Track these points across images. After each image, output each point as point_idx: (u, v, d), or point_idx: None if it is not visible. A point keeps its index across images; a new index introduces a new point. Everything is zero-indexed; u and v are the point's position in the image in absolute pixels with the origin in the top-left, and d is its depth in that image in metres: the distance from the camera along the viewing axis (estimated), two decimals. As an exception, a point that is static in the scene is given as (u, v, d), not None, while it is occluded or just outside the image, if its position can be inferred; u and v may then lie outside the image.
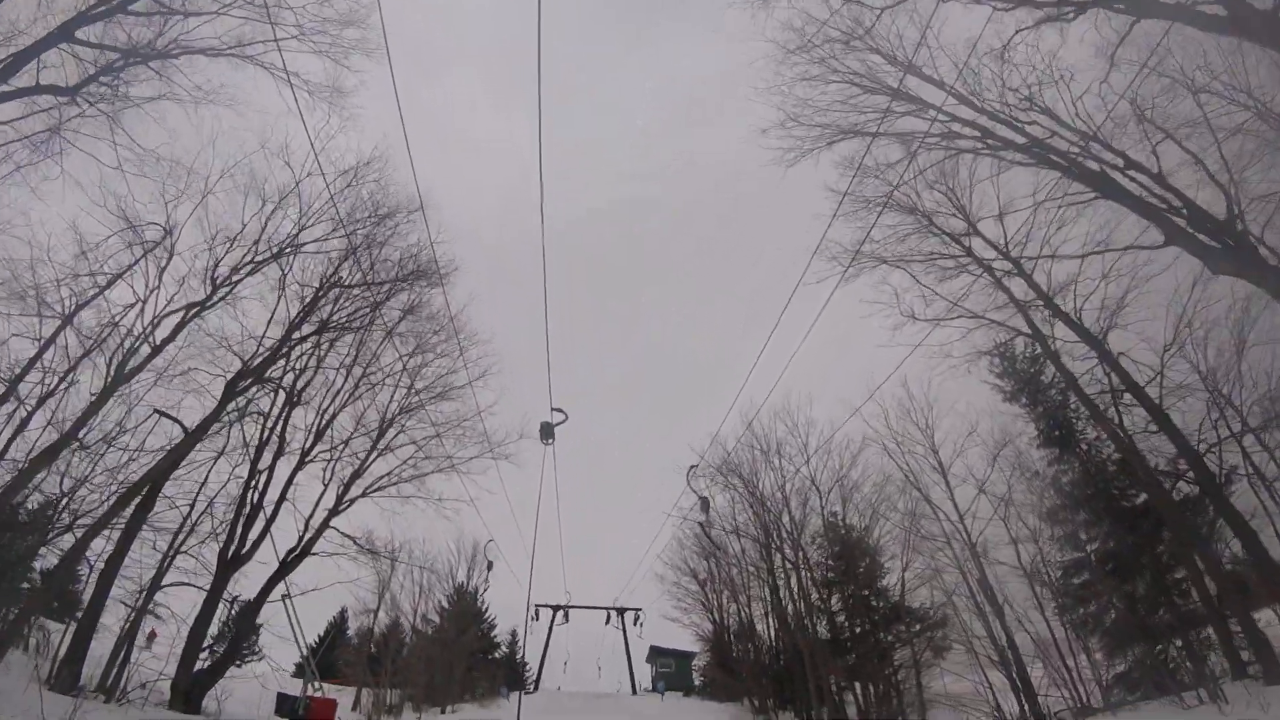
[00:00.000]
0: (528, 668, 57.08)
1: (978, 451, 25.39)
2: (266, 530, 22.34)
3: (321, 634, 47.20)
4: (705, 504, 16.95)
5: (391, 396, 27.72)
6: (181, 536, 20.54)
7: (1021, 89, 19.70)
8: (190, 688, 19.98)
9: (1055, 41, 18.81)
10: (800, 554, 34.46)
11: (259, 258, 21.66)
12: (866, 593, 33.25)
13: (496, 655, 54.85)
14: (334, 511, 25.09)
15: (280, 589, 24.47)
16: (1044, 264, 23.09)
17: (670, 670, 58.24)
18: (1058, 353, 21.43)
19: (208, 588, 20.92)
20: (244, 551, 21.90)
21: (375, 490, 26.65)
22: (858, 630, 33.89)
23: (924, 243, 25.54)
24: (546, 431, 17.12)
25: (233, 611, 21.73)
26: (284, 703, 27.16)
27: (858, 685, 32.26)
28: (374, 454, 26.72)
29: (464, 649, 40.87)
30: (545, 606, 49.57)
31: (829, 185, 23.61)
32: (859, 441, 34.42)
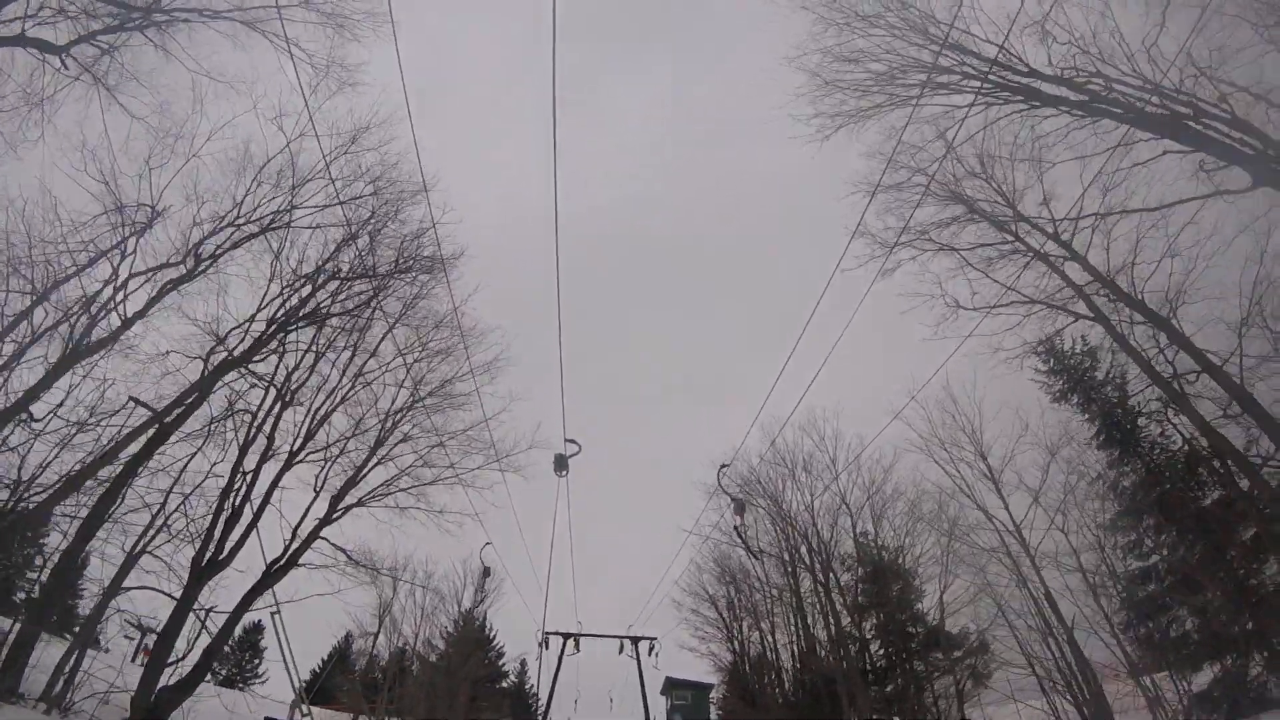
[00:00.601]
0: (536, 698, 53.97)
1: (1030, 455, 22.93)
2: (246, 536, 20.28)
3: (325, 658, 44.72)
4: (740, 506, 14.80)
5: (393, 401, 25.82)
6: (150, 534, 18.55)
7: (1071, 46, 17.93)
8: (153, 704, 17.77)
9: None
10: (831, 576, 31.79)
11: (246, 231, 20.04)
12: (903, 618, 30.48)
13: (504, 685, 51.90)
14: (325, 521, 23.01)
15: (267, 601, 22.28)
16: (1099, 246, 20.97)
17: (686, 703, 54.71)
18: (1123, 335, 19.03)
19: (178, 596, 18.80)
20: (221, 558, 19.82)
21: (371, 499, 24.58)
22: (892, 658, 31.03)
23: (965, 232, 23.60)
24: (560, 464, 16.70)
25: (206, 624, 19.59)
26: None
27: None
28: (372, 460, 24.73)
29: (468, 677, 38.16)
30: (555, 634, 46.67)
31: (866, 167, 21.71)
32: (891, 455, 32.09)
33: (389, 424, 25.20)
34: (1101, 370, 23.15)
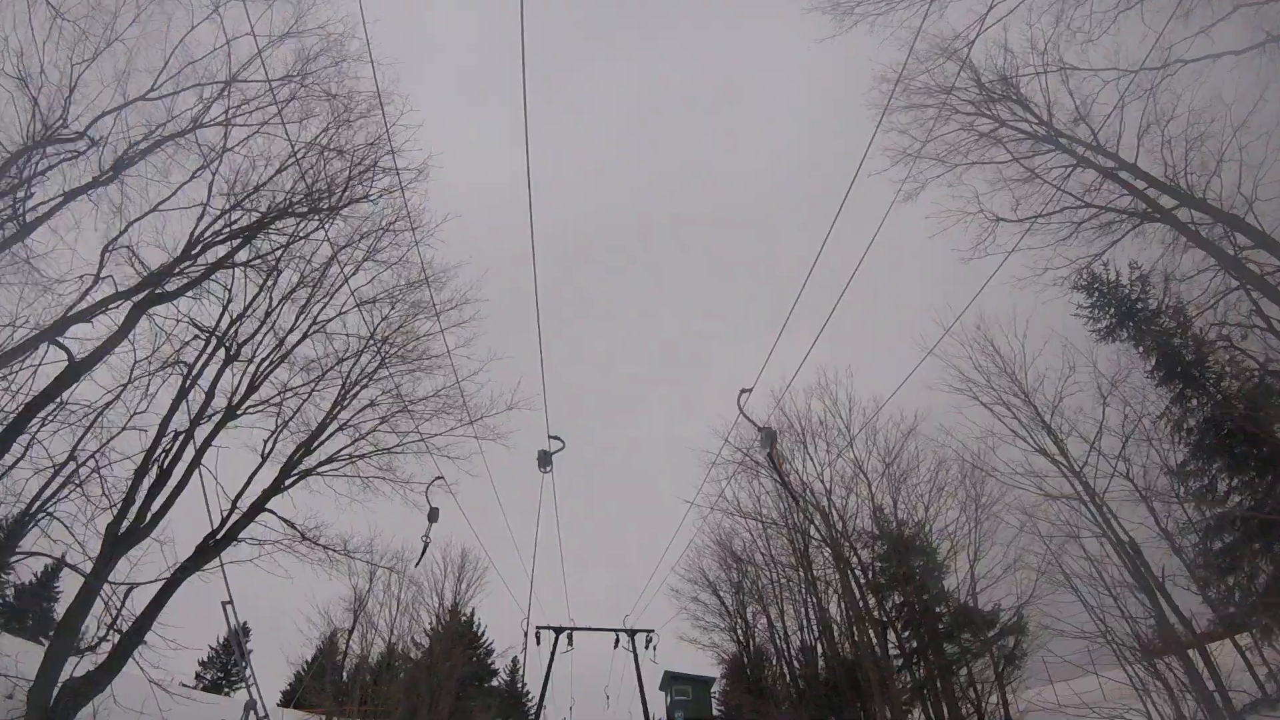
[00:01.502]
0: (529, 697, 50.58)
1: (1077, 400, 19.95)
2: (173, 500, 16.97)
3: (309, 660, 41.04)
4: (770, 436, 12.04)
5: (356, 358, 22.50)
6: (52, 489, 15.26)
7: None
8: (54, 700, 14.45)
9: None
10: (852, 551, 28.68)
11: (174, 128, 16.76)
12: (927, 596, 27.45)
13: (494, 684, 48.50)
14: (273, 489, 19.68)
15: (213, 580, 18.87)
16: (1152, 150, 18.14)
17: (687, 699, 51.53)
18: (1196, 231, 16.12)
19: (88, 570, 15.45)
20: (142, 525, 16.49)
21: (329, 468, 21.31)
22: (918, 641, 27.98)
23: (993, 151, 20.76)
24: (544, 460, 16.45)
25: (122, 604, 16.27)
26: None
27: (926, 708, 26.35)
28: (330, 424, 21.45)
29: (452, 675, 34.72)
30: (546, 629, 43.00)
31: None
32: (912, 418, 29.10)
33: (349, 382, 21.94)
34: (1155, 297, 20.39)
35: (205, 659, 52.70)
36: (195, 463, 17.42)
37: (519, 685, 53.22)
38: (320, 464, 21.05)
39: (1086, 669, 18.09)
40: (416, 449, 22.64)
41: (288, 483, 20.24)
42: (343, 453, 21.44)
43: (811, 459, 29.71)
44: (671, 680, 51.52)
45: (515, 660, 54.13)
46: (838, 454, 28.60)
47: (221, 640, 52.87)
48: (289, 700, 47.27)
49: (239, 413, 18.84)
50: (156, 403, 18.62)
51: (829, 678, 30.48)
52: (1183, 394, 19.17)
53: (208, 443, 17.82)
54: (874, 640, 27.32)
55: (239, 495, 19.02)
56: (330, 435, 21.76)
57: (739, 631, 39.80)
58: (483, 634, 47.89)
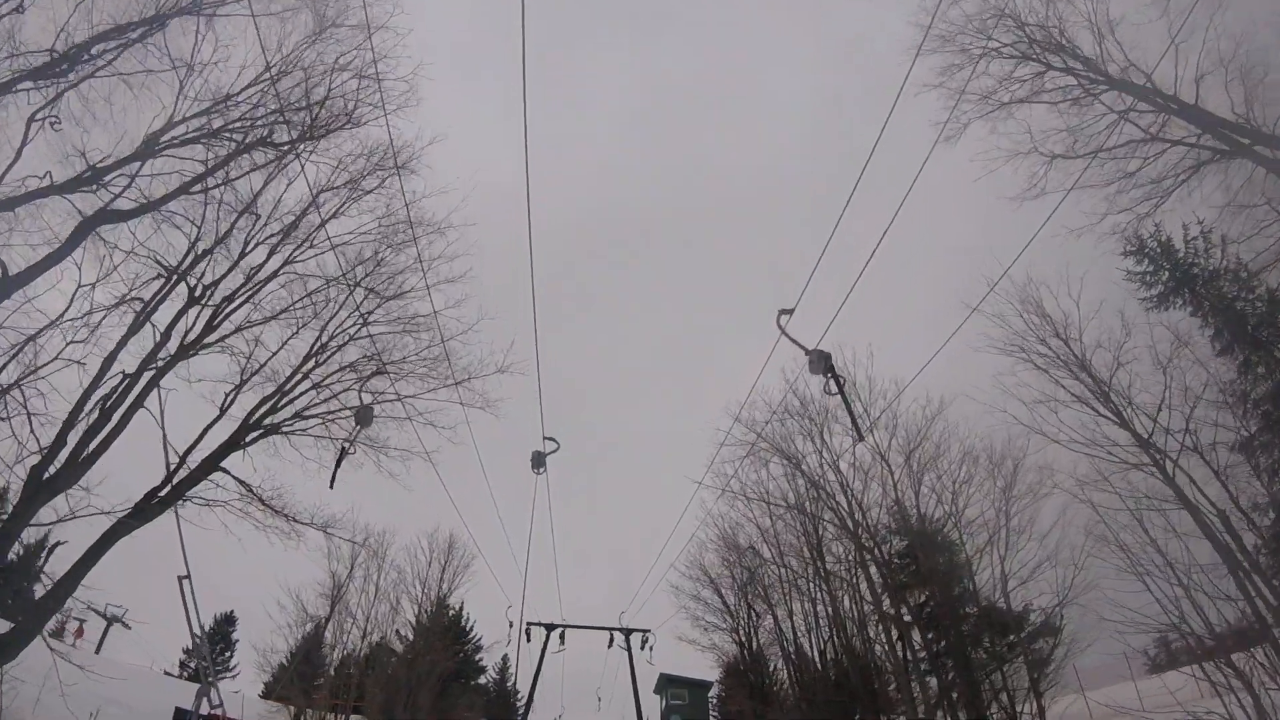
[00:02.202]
0: (519, 696, 48.01)
1: (1137, 368, 17.67)
2: (107, 444, 14.80)
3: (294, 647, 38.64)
4: (823, 359, 9.84)
5: (335, 315, 20.33)
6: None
7: None
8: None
9: None
10: (872, 542, 26.28)
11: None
12: (956, 592, 25.04)
13: (482, 681, 46.03)
14: (231, 445, 17.50)
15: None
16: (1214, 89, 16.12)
17: (684, 703, 48.93)
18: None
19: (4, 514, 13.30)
20: (73, 470, 14.33)
21: (297, 424, 19.14)
22: (940, 645, 25.55)
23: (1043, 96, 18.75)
24: (538, 461, 16.13)
25: (46, 560, 14.13)
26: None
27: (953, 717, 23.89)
28: (299, 377, 19.28)
29: (434, 670, 32.28)
30: (538, 625, 40.38)
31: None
32: (937, 401, 26.80)
33: (326, 337, 19.82)
34: (1214, 257, 18.22)
35: (189, 646, 50.54)
36: (136, 406, 15.26)
37: (509, 684, 50.70)
38: (287, 420, 18.88)
39: (1122, 675, 15.66)
40: (393, 410, 20.42)
41: (249, 438, 18.07)
42: (313, 409, 19.25)
43: (828, 446, 27.43)
44: (667, 683, 48.89)
45: (505, 658, 51.70)
46: (856, 441, 26.26)
47: (208, 628, 50.59)
48: (270, 692, 45.09)
49: (193, 351, 16.68)
50: (105, 341, 16.56)
51: (841, 681, 28.07)
52: (1248, 362, 16.97)
53: (155, 381, 15.67)
54: (893, 642, 24.97)
55: (190, 449, 16.85)
56: (302, 392, 19.65)
57: (741, 632, 37.34)
58: (471, 628, 45.47)
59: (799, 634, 31.18)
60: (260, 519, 17.89)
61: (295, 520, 18.54)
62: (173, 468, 16.13)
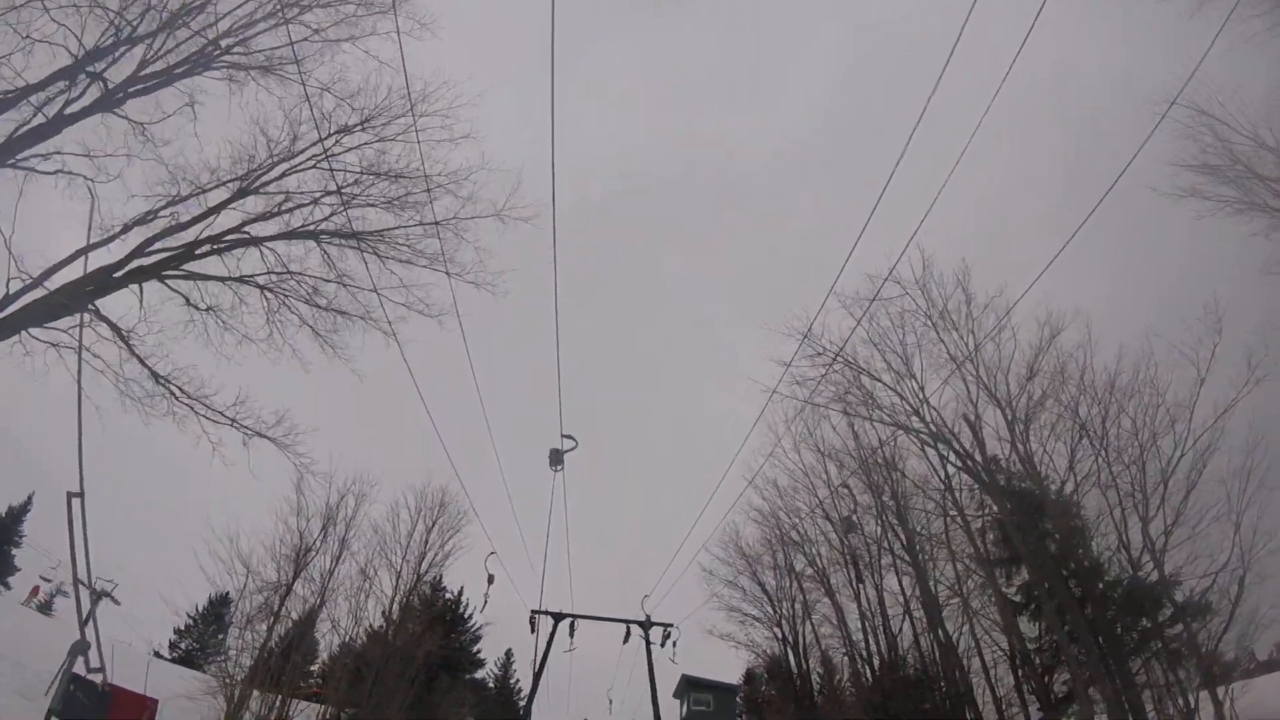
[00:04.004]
0: (522, 696, 41.51)
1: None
2: None
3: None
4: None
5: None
6: None
7: None
8: None
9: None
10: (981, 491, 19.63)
11: None
12: (1088, 563, 18.34)
13: (479, 676, 39.55)
14: (112, 273, 11.61)
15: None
16: None
17: (707, 709, 41.98)
18: None
19: None
20: None
21: (220, 246, 13.21)
22: (1066, 628, 18.79)
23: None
24: (555, 458, 15.19)
25: None
26: (76, 693, 13.52)
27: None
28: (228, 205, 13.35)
29: (413, 655, 25.75)
30: (546, 614, 32.92)
31: None
32: (1044, 314, 20.17)
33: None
34: None
35: (182, 627, 45.13)
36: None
37: (511, 681, 44.19)
38: (207, 243, 12.96)
39: None
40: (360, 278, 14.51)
41: (144, 257, 12.13)
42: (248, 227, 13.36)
43: (915, 379, 20.84)
44: (689, 687, 42.03)
45: (509, 653, 45.20)
46: (951, 371, 19.75)
47: (200, 608, 45.32)
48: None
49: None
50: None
51: (921, 677, 21.38)
52: None
53: None
54: (1009, 625, 18.32)
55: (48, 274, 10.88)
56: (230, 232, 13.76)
57: (785, 624, 30.63)
58: (469, 616, 39.05)
59: (871, 621, 24.31)
60: (140, 393, 11.97)
61: (203, 411, 12.62)
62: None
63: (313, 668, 32.32)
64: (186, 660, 42.90)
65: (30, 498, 47.23)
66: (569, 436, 15.05)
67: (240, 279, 14.55)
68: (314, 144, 15.53)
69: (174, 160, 14.63)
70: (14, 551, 47.59)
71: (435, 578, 36.71)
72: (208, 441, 14.96)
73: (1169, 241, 23.34)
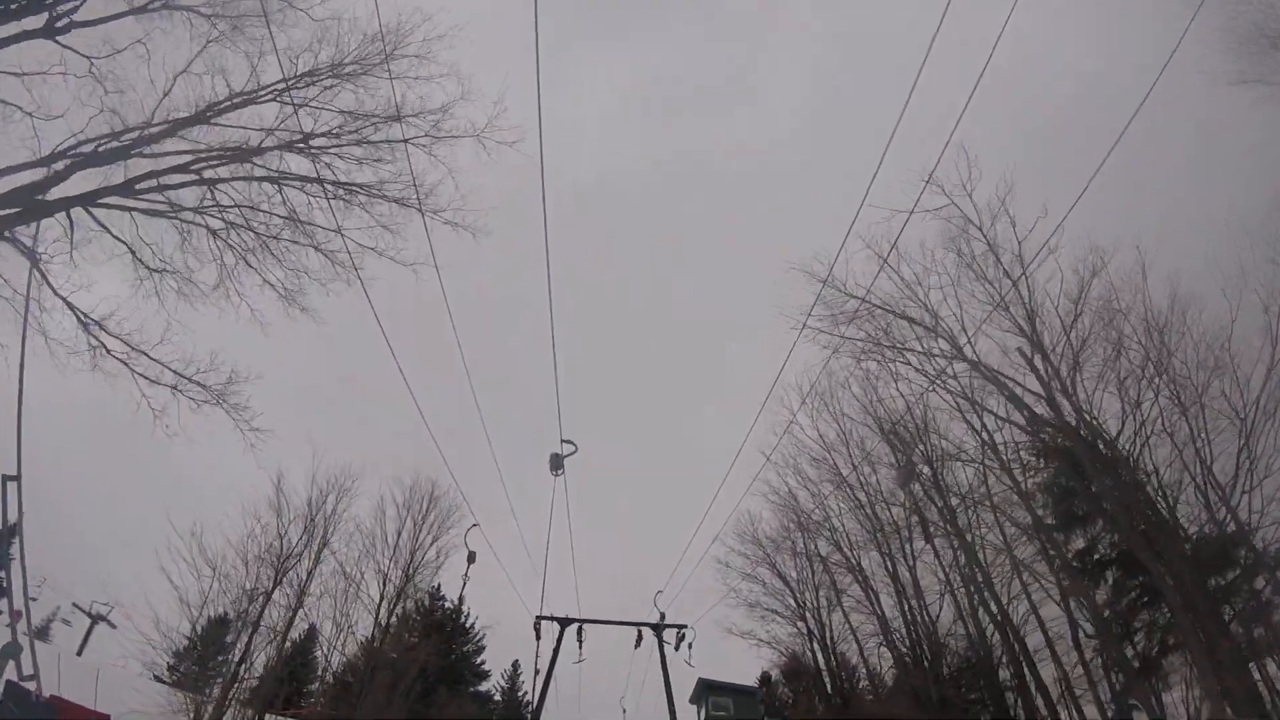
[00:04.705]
0: (529, 706, 38.67)
1: None
2: None
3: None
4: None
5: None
6: None
7: None
8: None
9: None
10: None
11: None
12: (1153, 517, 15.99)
13: (484, 689, 36.93)
14: (29, 198, 9.94)
15: None
16: None
17: (727, 714, 39.15)
18: None
19: None
20: None
21: (168, 185, 11.20)
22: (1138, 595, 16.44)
23: None
24: (556, 463, 15.17)
25: None
26: (7, 703, 12.18)
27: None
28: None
29: (404, 667, 23.16)
30: (551, 619, 30.09)
31: None
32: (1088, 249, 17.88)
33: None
34: None
35: (180, 649, 42.71)
36: None
37: (519, 693, 41.38)
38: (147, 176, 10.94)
39: None
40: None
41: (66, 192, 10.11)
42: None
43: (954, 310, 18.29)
44: (707, 690, 39.23)
45: (515, 664, 42.41)
46: (991, 310, 17.43)
47: (199, 629, 42.87)
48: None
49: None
50: None
51: (974, 659, 18.90)
52: None
53: None
54: (1072, 594, 15.94)
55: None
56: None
57: (810, 617, 28.08)
58: (471, 625, 36.41)
59: (908, 602, 21.76)
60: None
61: (145, 361, 10.61)
62: None
63: (312, 686, 29.72)
64: (183, 684, 40.21)
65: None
66: (569, 441, 15.00)
67: (196, 211, 12.54)
68: (278, 81, 13.60)
69: (121, 94, 12.76)
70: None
71: (435, 587, 34.13)
72: (149, 409, 12.83)
73: (1226, 147, 21.07)
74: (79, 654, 36.15)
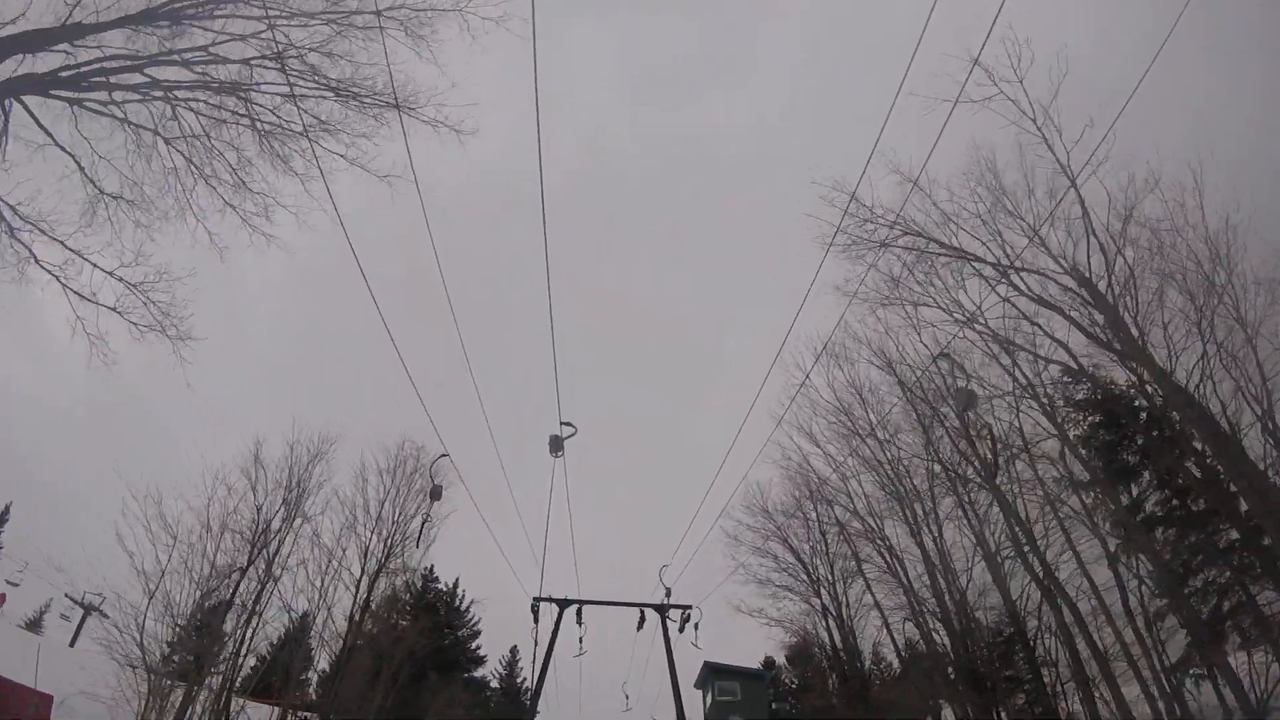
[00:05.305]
0: (528, 693, 36.65)
1: None
2: None
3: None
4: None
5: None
6: None
7: None
8: None
9: None
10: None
11: None
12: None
13: (479, 674, 34.95)
14: None
15: None
16: None
17: (734, 699, 37.18)
18: None
19: None
20: None
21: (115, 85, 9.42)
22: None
23: None
24: (555, 445, 14.61)
25: None
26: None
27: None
28: None
29: (388, 650, 21.11)
30: (550, 601, 27.66)
31: None
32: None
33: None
34: None
35: (173, 638, 41.33)
36: None
37: (518, 679, 39.46)
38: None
39: None
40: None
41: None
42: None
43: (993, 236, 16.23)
44: (713, 675, 37.30)
45: (514, 650, 40.43)
46: (1046, 217, 15.29)
47: (198, 619, 41.60)
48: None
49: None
50: None
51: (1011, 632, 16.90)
52: None
53: None
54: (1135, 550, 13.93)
55: None
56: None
57: (824, 593, 26.07)
58: (466, 608, 34.42)
59: (938, 569, 19.70)
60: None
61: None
62: None
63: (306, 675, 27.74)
64: (183, 675, 38.71)
65: (8, 508, 44.67)
66: (568, 423, 14.53)
67: (144, 91, 10.56)
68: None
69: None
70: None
71: (428, 568, 32.09)
72: (84, 334, 10.83)
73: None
74: (71, 645, 34.62)
